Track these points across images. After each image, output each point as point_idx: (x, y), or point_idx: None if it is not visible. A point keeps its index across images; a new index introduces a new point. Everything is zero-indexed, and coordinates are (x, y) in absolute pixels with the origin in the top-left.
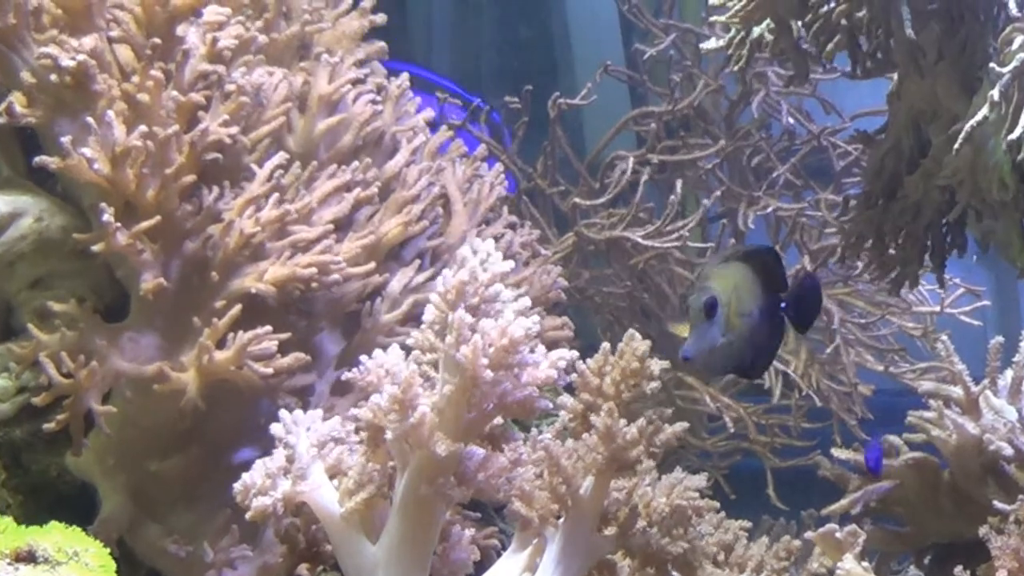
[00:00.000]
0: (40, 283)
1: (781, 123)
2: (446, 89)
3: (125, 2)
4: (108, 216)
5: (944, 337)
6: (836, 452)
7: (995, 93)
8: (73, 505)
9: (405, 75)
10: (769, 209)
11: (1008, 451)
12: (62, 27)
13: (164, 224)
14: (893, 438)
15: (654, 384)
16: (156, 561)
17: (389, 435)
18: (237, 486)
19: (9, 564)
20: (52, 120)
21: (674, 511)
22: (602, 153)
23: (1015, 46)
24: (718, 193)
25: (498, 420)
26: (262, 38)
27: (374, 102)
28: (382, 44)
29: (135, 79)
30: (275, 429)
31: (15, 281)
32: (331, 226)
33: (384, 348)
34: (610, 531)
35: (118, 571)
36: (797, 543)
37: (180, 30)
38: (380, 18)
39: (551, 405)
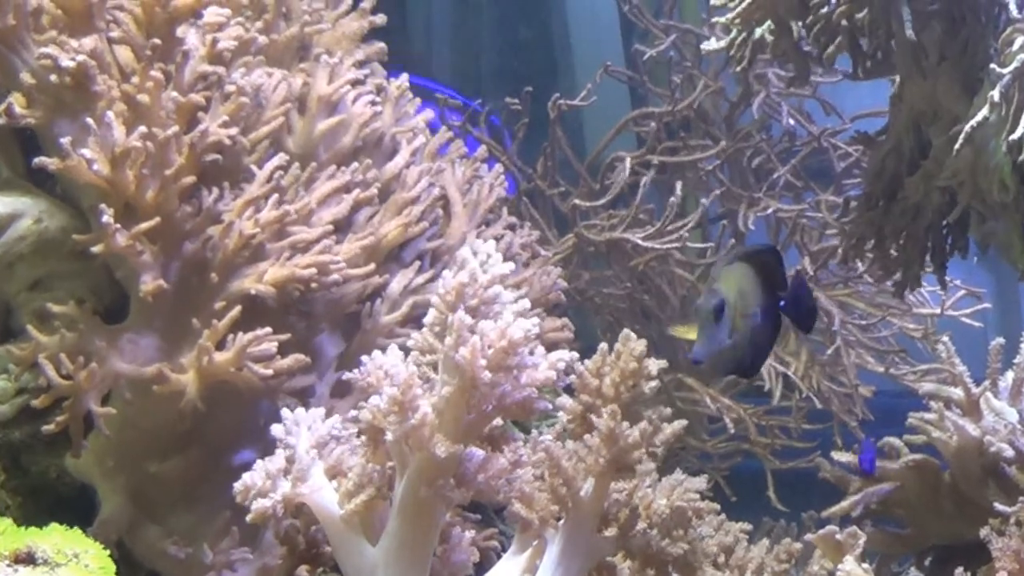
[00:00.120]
0: (39, 284)
1: (781, 124)
2: (446, 96)
3: (125, 3)
4: (108, 217)
5: (945, 339)
6: (835, 455)
7: (995, 94)
8: (72, 506)
9: (405, 76)
10: (769, 210)
11: (1009, 453)
12: (62, 28)
13: (164, 225)
14: (894, 440)
15: (652, 384)
16: (156, 563)
17: (389, 436)
18: (237, 487)
19: (8, 566)
20: (52, 121)
21: (674, 513)
22: (602, 154)
23: (1015, 47)
24: (717, 192)
25: (498, 421)
26: (262, 39)
27: (373, 103)
28: (382, 45)
29: (135, 80)
30: (275, 430)
31: (14, 282)
32: (331, 227)
33: (384, 349)
34: (610, 532)
35: (118, 573)
36: (798, 545)
37: (180, 31)
38: (380, 19)
39: (550, 406)
